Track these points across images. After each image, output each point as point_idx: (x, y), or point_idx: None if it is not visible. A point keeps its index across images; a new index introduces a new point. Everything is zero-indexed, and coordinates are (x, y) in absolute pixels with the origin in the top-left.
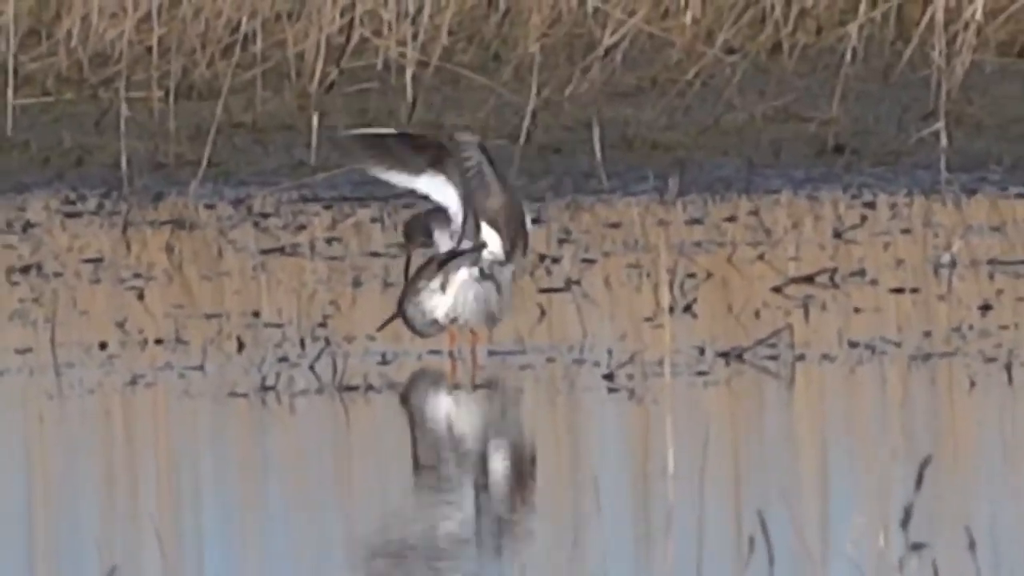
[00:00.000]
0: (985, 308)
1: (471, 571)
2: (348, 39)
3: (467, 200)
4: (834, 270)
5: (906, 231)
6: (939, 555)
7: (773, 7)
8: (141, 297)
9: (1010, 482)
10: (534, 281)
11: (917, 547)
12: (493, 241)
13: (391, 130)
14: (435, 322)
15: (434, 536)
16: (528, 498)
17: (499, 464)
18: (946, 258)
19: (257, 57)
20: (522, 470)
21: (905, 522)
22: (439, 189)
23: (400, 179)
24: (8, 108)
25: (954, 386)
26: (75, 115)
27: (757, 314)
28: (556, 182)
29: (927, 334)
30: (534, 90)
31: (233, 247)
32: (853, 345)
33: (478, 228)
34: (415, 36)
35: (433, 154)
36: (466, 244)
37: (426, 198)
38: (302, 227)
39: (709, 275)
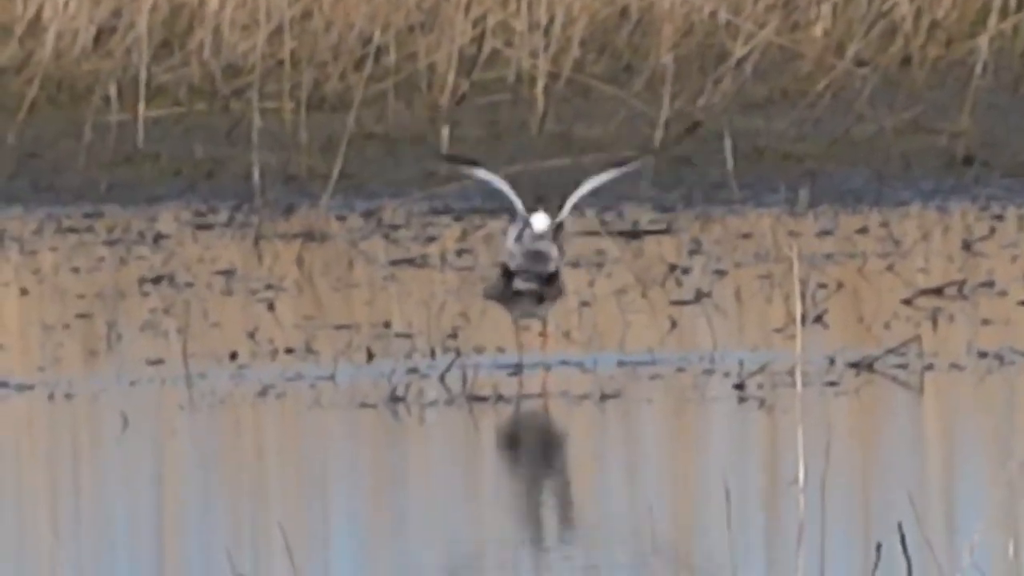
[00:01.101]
0: None
1: None
2: (479, 51)
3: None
4: (963, 281)
5: None
6: None
7: (903, 19)
8: (272, 308)
9: None
10: (665, 292)
11: None
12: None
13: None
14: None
15: (563, 543)
16: (658, 508)
17: (629, 473)
18: None
19: (389, 69)
20: (652, 480)
21: None
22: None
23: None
24: (140, 120)
25: None
26: (207, 127)
27: (887, 325)
28: (687, 193)
29: None
30: (666, 101)
31: (364, 258)
32: (982, 355)
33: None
34: (546, 47)
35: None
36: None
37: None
38: (432, 238)
39: (839, 286)
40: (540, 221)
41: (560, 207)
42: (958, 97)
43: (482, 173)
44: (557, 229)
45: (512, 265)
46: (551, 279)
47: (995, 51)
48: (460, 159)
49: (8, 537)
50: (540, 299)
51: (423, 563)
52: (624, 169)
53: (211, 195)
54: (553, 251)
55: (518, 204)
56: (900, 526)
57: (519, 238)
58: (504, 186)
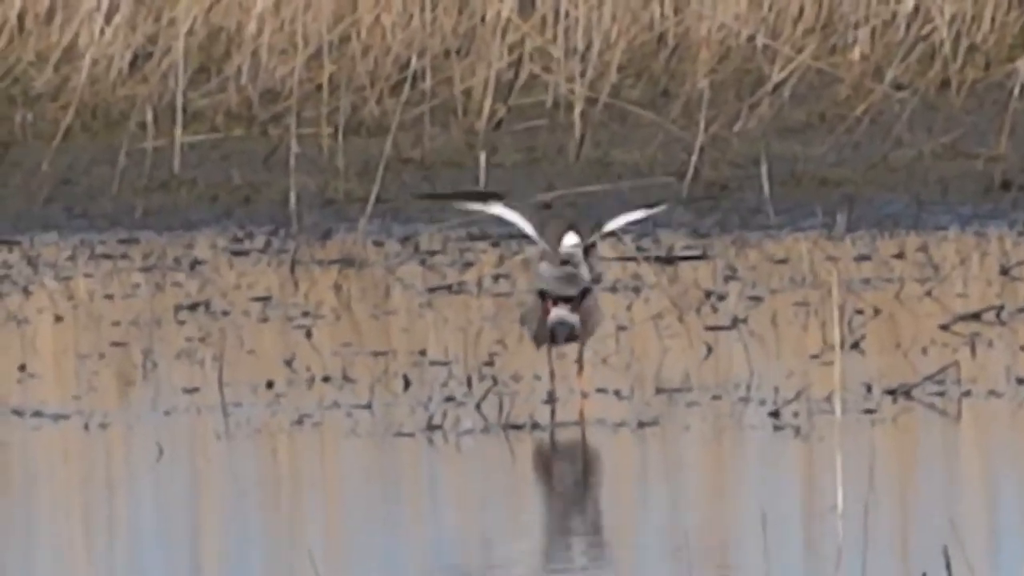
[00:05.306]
0: None
1: None
2: (516, 76)
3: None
4: (1001, 307)
5: None
6: None
7: (942, 43)
8: (309, 335)
9: None
10: (700, 319)
11: None
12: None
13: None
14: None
15: (601, 571)
16: (694, 536)
17: (664, 502)
18: None
19: (426, 94)
20: (687, 508)
21: None
22: (512, 215)
23: (477, 208)
24: (176, 145)
25: None
26: (244, 152)
27: (924, 351)
28: (723, 218)
29: None
30: (702, 126)
31: (401, 284)
32: (1021, 382)
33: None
34: (583, 72)
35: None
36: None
37: (504, 222)
38: (469, 264)
39: (877, 312)
40: (568, 244)
41: (594, 231)
42: (996, 121)
43: (498, 209)
44: (587, 254)
45: (544, 287)
46: (582, 301)
47: None
48: (479, 195)
49: (44, 567)
50: (573, 335)
51: None
52: (655, 210)
53: (248, 221)
54: (583, 274)
55: (536, 236)
56: (929, 553)
57: (548, 263)
58: (523, 222)
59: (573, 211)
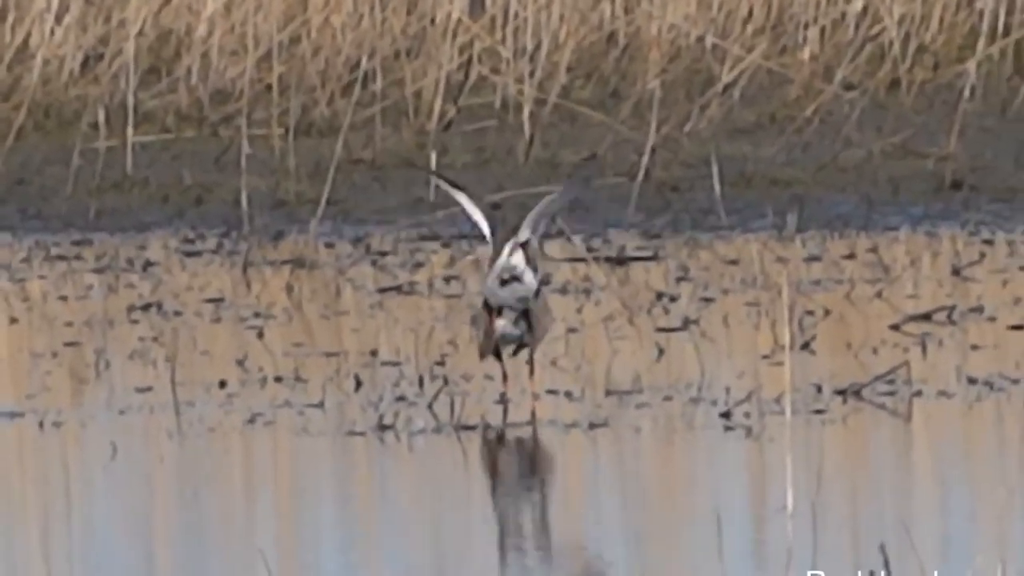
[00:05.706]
0: None
1: None
2: (466, 77)
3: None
4: (952, 307)
5: None
6: None
7: (891, 43)
8: (261, 336)
9: None
10: (651, 319)
11: None
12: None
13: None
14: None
15: (551, 572)
16: (645, 537)
17: (615, 503)
18: None
19: (376, 95)
20: (638, 509)
21: None
22: (474, 211)
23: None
24: (128, 146)
25: None
26: (195, 153)
27: (875, 351)
28: (674, 219)
29: None
30: (653, 127)
31: (352, 285)
32: (971, 382)
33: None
34: (533, 73)
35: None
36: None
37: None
38: (420, 265)
39: (827, 312)
40: (511, 254)
41: (542, 232)
42: (946, 121)
43: (463, 198)
44: (529, 251)
45: (490, 296)
46: (529, 307)
47: (983, 75)
48: (448, 180)
49: None
50: (521, 344)
51: None
52: (559, 193)
53: (199, 222)
54: (529, 285)
55: (487, 233)
56: (879, 552)
57: (494, 266)
58: (479, 216)
59: (522, 213)
